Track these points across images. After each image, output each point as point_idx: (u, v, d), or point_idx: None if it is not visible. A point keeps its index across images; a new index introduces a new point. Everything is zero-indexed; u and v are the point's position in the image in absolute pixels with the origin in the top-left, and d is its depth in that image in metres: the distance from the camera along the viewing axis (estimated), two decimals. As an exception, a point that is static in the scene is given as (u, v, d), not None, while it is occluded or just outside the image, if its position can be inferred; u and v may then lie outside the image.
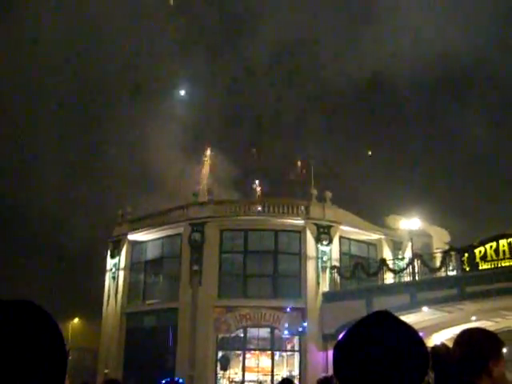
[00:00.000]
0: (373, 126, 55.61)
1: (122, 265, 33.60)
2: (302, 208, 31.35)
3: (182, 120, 48.04)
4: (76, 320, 51.08)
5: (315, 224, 30.80)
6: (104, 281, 34.46)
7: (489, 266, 25.88)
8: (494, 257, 25.85)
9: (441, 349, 3.57)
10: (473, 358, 3.35)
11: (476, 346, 3.40)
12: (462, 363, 3.31)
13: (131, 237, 33.77)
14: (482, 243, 26.46)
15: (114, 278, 33.62)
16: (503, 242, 25.81)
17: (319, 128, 54.37)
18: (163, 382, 5.27)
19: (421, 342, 1.61)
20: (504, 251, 25.66)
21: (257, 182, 47.65)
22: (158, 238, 33.07)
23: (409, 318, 27.31)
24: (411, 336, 1.61)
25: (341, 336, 1.68)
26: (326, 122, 55.36)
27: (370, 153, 56.17)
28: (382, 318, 1.63)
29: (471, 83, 57.26)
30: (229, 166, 44.90)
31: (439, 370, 3.43)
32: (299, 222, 30.79)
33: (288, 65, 58.19)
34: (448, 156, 54.24)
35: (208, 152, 47.76)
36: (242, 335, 29.59)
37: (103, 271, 34.80)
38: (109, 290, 33.74)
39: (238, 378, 28.73)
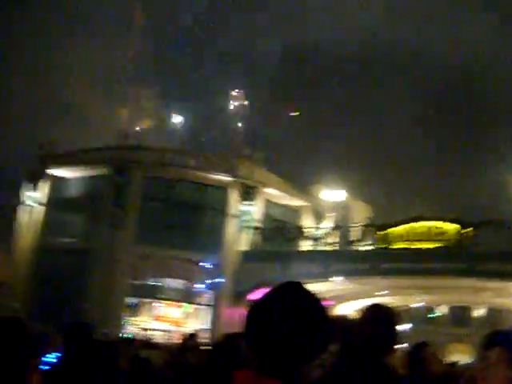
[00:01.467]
0: (301, 93, 56.16)
1: (41, 200, 32.55)
2: (231, 165, 31.18)
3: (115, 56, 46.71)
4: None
5: (242, 183, 30.81)
6: (19, 213, 33.16)
7: (402, 246, 26.74)
8: (409, 237, 26.72)
9: (347, 321, 3.64)
10: (381, 337, 3.43)
11: (384, 326, 3.49)
12: (370, 341, 3.39)
13: (53, 172, 32.65)
14: (400, 223, 27.30)
15: (30, 211, 32.55)
16: (419, 225, 26.70)
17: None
18: (70, 323, 5.16)
19: (326, 315, 1.72)
20: (418, 233, 26.58)
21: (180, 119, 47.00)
22: (81, 177, 32.17)
23: (321, 286, 28.00)
24: (318, 308, 1.71)
25: (255, 300, 1.76)
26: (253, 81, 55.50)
27: (295, 114, 56.39)
28: (294, 288, 1.73)
29: (398, 60, 58.49)
30: (162, 109, 44.23)
31: (344, 343, 3.50)
32: (227, 178, 30.67)
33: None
34: (374, 133, 55.38)
35: (143, 94, 46.62)
36: (156, 284, 29.57)
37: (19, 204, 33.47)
38: (24, 224, 32.68)
39: (148, 325, 28.75)
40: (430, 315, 51.22)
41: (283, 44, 54.61)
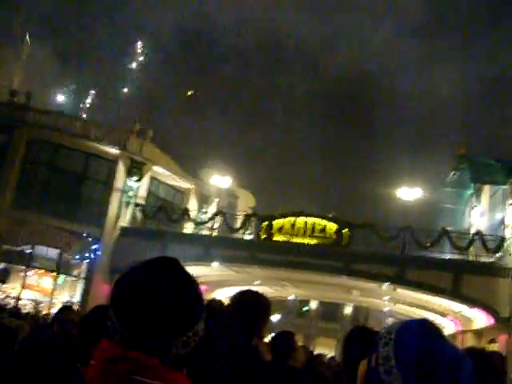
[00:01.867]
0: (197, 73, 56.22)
1: None
2: (121, 138, 30.50)
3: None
4: None
5: (130, 158, 30.27)
6: None
7: (283, 239, 27.31)
8: (290, 231, 27.33)
9: (216, 304, 3.68)
10: (250, 319, 3.49)
11: (255, 308, 3.55)
12: (240, 322, 3.43)
13: None
14: (282, 216, 27.88)
15: None
16: (300, 220, 27.37)
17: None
18: None
19: (197, 293, 1.69)
20: (299, 228, 27.24)
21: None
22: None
23: (199, 270, 28.14)
24: (190, 285, 1.68)
25: (125, 270, 1.72)
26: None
27: (190, 93, 56.10)
28: (166, 262, 1.69)
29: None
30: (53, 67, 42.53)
31: (211, 324, 3.52)
32: (114, 150, 29.98)
33: None
34: (267, 125, 56.25)
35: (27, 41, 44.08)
36: (28, 251, 28.48)
37: None
38: None
39: (15, 293, 27.68)
40: (302, 309, 52.81)
41: (180, 19, 54.26)
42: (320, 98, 61.12)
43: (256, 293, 3.84)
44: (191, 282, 1.69)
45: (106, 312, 1.66)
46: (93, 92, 50.92)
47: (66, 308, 6.68)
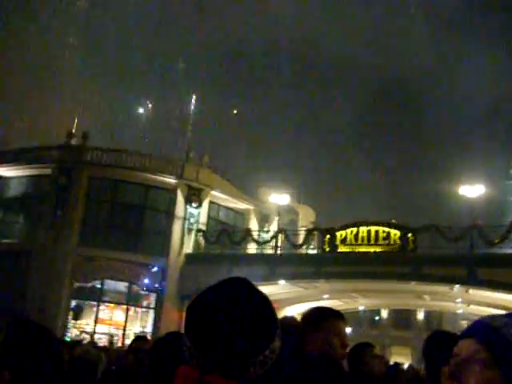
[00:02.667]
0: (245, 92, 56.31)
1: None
2: (177, 167, 31.06)
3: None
4: None
5: (187, 185, 30.70)
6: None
7: (347, 250, 27.08)
8: (353, 241, 27.10)
9: (289, 320, 3.66)
10: (322, 334, 3.45)
11: (323, 325, 3.51)
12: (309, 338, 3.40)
13: (-4, 170, 32.01)
14: (344, 227, 27.64)
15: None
16: (363, 229, 27.11)
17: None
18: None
19: (272, 311, 1.65)
20: (363, 237, 26.97)
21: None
22: (23, 176, 31.52)
23: (266, 289, 28.08)
24: (263, 304, 1.64)
25: (197, 294, 1.69)
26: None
27: (235, 112, 56.29)
28: (238, 283, 1.67)
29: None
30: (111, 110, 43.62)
31: (287, 342, 3.49)
32: (172, 180, 30.52)
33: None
34: (317, 140, 56.03)
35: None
36: (98, 286, 29.13)
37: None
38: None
39: (90, 328, 28.30)
40: (373, 318, 52.05)
41: (223, 42, 54.70)
42: (370, 105, 60.65)
43: (326, 308, 3.80)
44: (263, 299, 1.66)
45: (175, 338, 1.66)
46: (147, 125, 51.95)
47: (140, 338, 6.78)
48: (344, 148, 54.19)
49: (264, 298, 1.67)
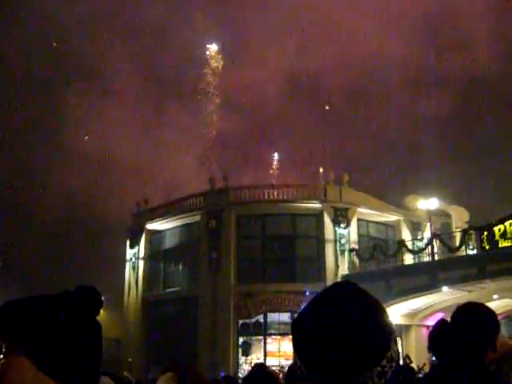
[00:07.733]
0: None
1: (142, 254, 33.84)
2: (319, 191, 31.18)
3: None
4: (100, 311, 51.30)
5: (332, 207, 30.66)
6: (124, 271, 34.70)
7: (509, 244, 25.60)
8: (515, 234, 25.58)
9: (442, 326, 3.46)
10: (481, 335, 3.22)
11: (484, 323, 3.28)
12: (469, 341, 3.19)
13: (149, 226, 33.97)
14: (501, 221, 26.17)
15: (133, 267, 33.89)
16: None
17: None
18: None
19: (383, 313, 1.54)
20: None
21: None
22: (176, 227, 33.24)
23: (428, 299, 27.21)
24: (373, 307, 1.53)
25: (302, 310, 1.62)
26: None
27: (327, 107, 54.89)
28: (338, 290, 1.58)
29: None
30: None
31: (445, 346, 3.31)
32: (316, 205, 30.66)
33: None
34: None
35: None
36: (262, 320, 29.63)
37: (123, 262, 34.98)
38: (129, 280, 34.00)
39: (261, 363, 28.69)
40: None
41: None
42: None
43: (477, 305, 3.54)
44: (372, 302, 1.54)
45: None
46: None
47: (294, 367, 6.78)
48: (488, 139, 51.41)
49: (372, 299, 1.56)
